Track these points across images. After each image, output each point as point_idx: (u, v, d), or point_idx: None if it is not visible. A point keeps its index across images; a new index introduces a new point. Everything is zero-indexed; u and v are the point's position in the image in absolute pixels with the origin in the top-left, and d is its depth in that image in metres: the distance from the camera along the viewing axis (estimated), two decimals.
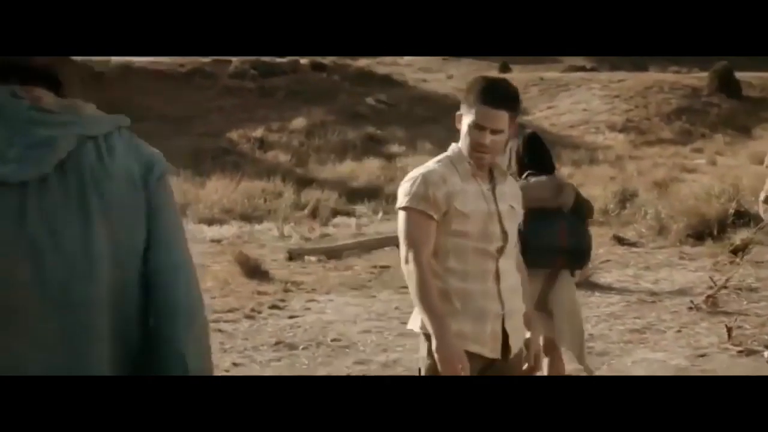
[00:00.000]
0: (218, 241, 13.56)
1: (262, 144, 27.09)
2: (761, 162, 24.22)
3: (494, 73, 42.42)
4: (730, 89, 34.21)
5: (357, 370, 5.93)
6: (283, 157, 25.35)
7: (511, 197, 3.10)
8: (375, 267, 10.38)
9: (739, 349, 6.26)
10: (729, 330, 6.57)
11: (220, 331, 7.07)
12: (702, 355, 6.17)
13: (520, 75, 40.40)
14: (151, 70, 32.73)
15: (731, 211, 12.47)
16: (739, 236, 10.73)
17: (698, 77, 36.73)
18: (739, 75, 35.40)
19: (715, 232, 11.34)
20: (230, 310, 7.91)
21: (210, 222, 15.73)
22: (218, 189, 18.33)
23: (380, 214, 16.38)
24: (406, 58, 43.41)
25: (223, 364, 6.01)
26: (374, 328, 7.11)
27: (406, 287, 8.72)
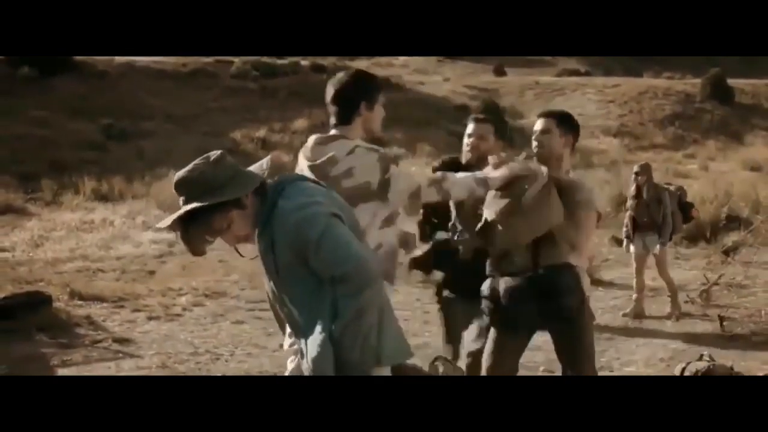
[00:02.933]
0: None
1: (265, 144, 27.65)
2: (753, 168, 24.95)
3: (488, 76, 43.03)
4: (723, 96, 34.87)
5: None
6: (287, 158, 25.82)
7: None
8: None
9: (731, 335, 7.01)
10: (721, 319, 7.33)
11: (259, 318, 7.73)
12: (698, 341, 6.90)
13: (515, 79, 41.06)
14: (154, 69, 33.17)
15: (723, 215, 13.15)
16: (731, 239, 11.44)
17: (691, 83, 37.44)
18: (732, 81, 36.11)
19: (708, 235, 12.01)
20: (263, 300, 8.53)
21: None
22: None
23: None
24: (401, 60, 43.95)
25: (271, 345, 6.68)
26: (400, 317, 7.71)
27: (423, 282, 9.37)
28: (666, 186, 8.50)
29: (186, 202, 2.48)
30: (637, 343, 6.76)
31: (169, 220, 2.50)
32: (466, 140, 4.20)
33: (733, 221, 13.37)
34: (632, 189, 8.30)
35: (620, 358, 6.29)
